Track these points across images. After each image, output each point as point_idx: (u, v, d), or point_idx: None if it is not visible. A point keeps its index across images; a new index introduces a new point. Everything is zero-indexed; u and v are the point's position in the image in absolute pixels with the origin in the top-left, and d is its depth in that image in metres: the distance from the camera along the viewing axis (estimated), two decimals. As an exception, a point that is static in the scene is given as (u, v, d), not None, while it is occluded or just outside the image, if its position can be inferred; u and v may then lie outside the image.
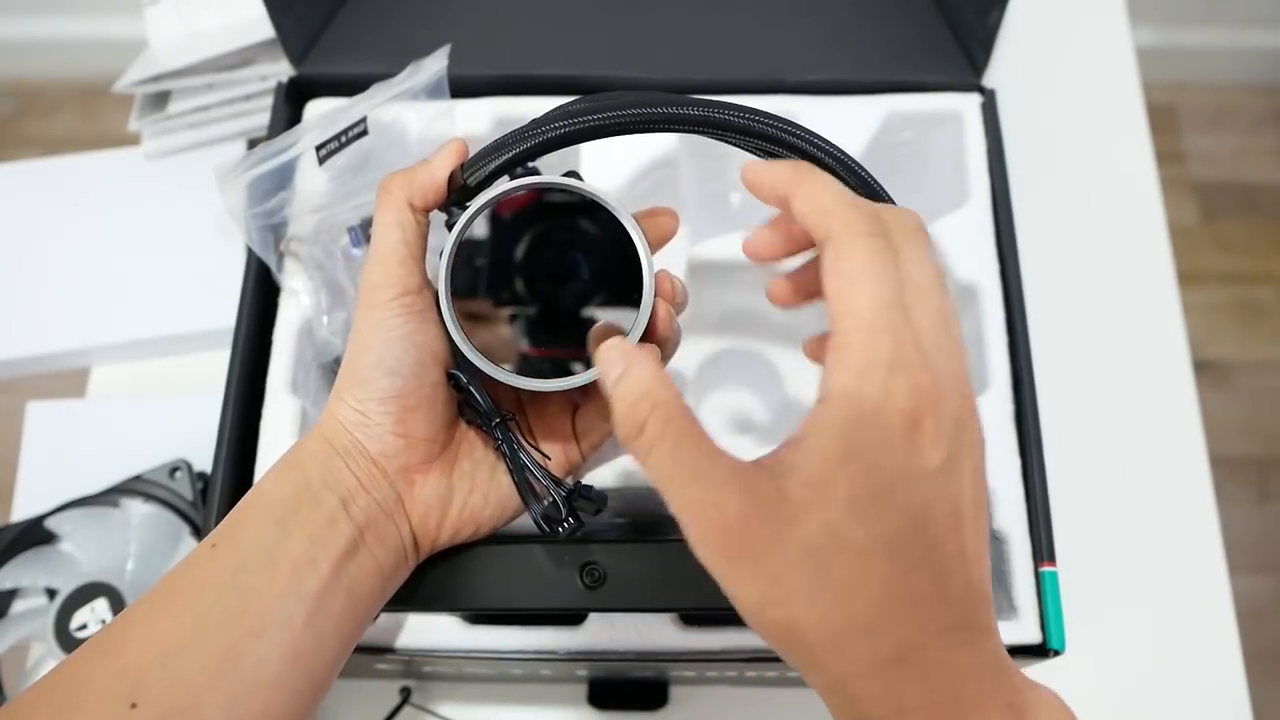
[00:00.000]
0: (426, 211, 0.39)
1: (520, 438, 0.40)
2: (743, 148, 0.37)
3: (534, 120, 0.37)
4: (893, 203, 0.36)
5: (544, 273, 0.40)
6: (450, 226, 0.39)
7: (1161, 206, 0.69)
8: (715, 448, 0.30)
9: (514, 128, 0.55)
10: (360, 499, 0.37)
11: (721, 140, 0.36)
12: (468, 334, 0.37)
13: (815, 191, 0.31)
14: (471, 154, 0.38)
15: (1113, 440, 0.62)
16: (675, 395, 0.31)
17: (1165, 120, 1.50)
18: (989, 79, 0.56)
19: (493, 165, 0.37)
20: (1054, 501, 0.46)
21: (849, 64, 0.57)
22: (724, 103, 0.35)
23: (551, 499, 0.39)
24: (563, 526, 0.38)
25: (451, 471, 0.39)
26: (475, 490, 0.39)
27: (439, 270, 0.37)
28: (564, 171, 0.39)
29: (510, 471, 0.39)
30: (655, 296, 0.36)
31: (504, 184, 0.37)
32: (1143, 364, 0.64)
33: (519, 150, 0.36)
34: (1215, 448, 0.63)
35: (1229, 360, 1.35)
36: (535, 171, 0.38)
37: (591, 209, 0.37)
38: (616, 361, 0.32)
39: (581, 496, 0.39)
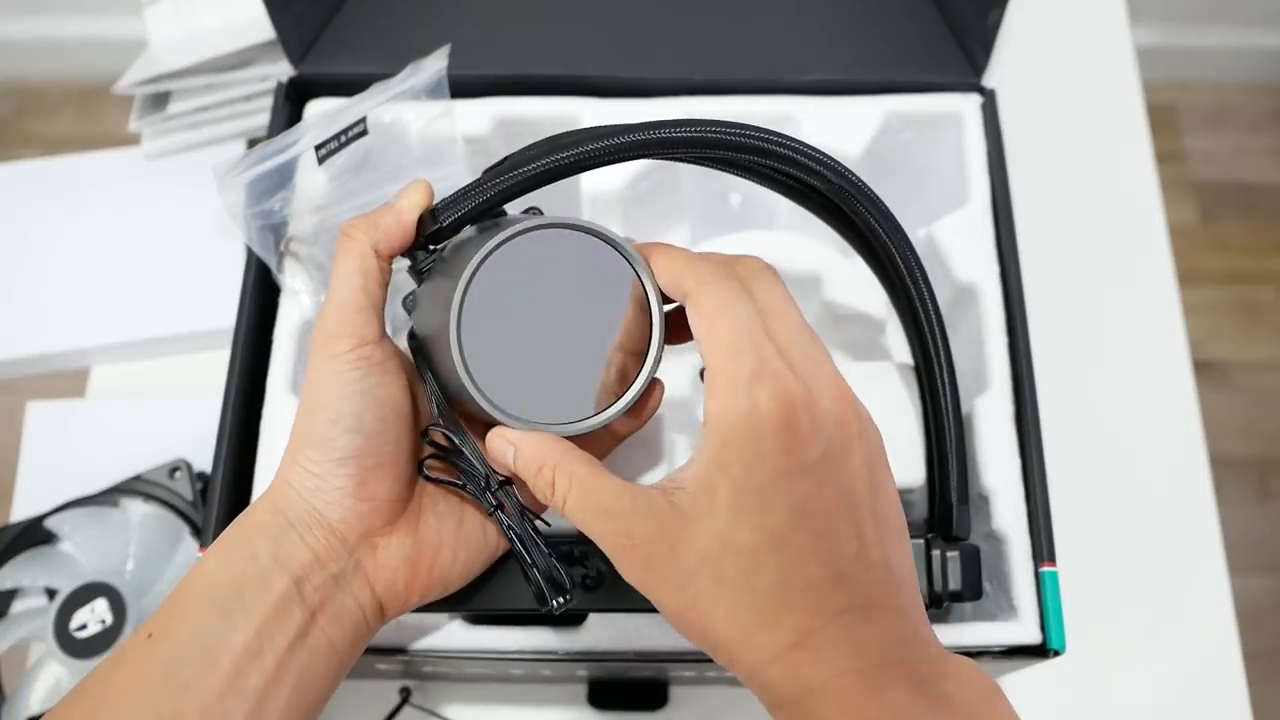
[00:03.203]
0: (391, 258, 0.37)
1: (520, 501, 0.37)
2: (732, 169, 0.37)
3: (508, 158, 0.36)
4: (879, 203, 0.38)
5: (552, 311, 0.36)
6: (414, 271, 0.37)
7: (1161, 206, 0.69)
8: (618, 483, 0.32)
9: (510, 129, 0.56)
10: (315, 577, 0.34)
11: (700, 163, 0.36)
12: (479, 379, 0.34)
13: (668, 260, 0.34)
14: (470, 169, 0.38)
15: (1113, 440, 0.62)
16: (569, 449, 0.33)
17: (1165, 120, 1.50)
18: (989, 79, 0.56)
19: (469, 206, 0.35)
20: (1054, 501, 0.46)
21: (848, 64, 0.57)
22: (710, 121, 0.35)
23: (556, 570, 0.36)
24: (560, 600, 0.36)
25: (416, 530, 0.37)
26: (444, 548, 0.37)
27: (449, 319, 0.33)
28: (525, 208, 0.38)
29: (511, 540, 0.37)
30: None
31: (514, 224, 0.34)
32: (1143, 364, 0.64)
33: (499, 190, 0.35)
34: (1215, 448, 0.63)
35: (1229, 360, 1.35)
36: (503, 213, 0.37)
37: (588, 244, 0.35)
38: (504, 447, 0.34)
39: (579, 565, 0.38)
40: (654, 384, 0.36)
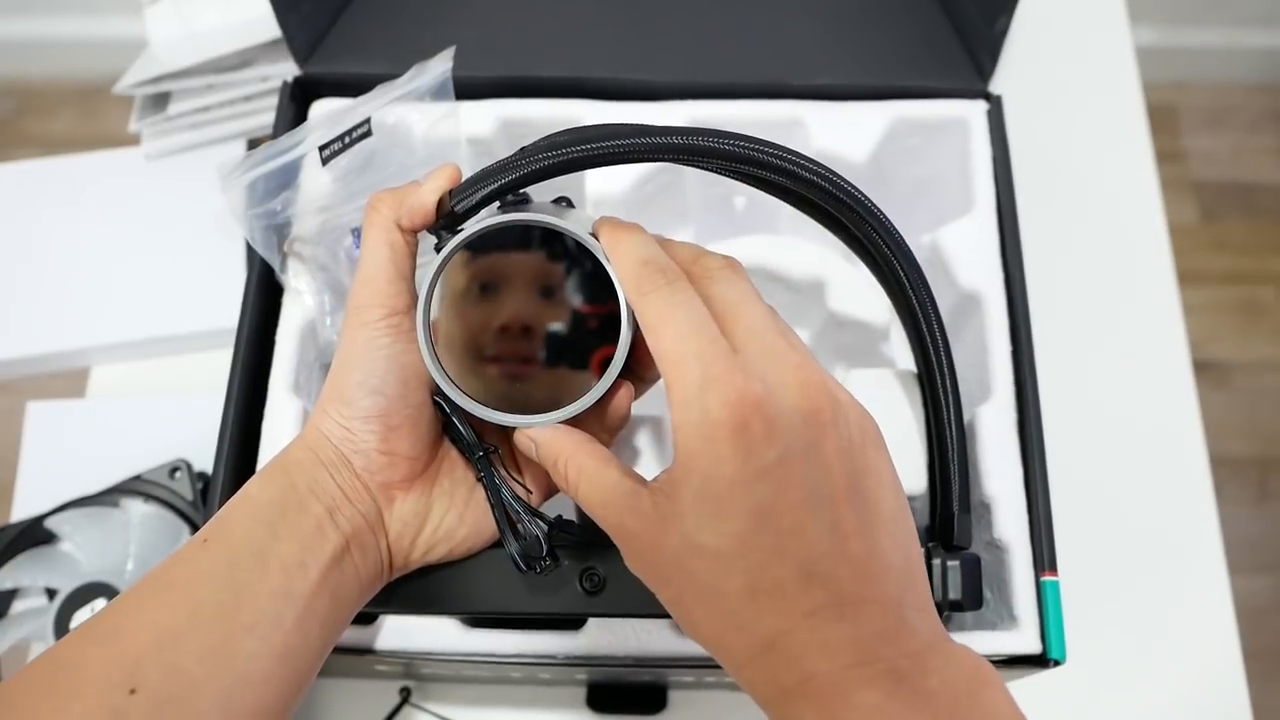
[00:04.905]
0: (414, 233, 0.39)
1: (502, 470, 0.40)
2: (729, 175, 0.37)
3: (522, 149, 0.36)
4: (879, 215, 0.38)
5: (528, 303, 0.39)
6: (438, 250, 0.38)
7: (1161, 206, 0.69)
8: (620, 477, 0.34)
9: (514, 131, 0.56)
10: (345, 510, 0.37)
11: (706, 169, 0.36)
12: (449, 363, 0.37)
13: (618, 259, 0.35)
14: (467, 171, 0.38)
15: (1113, 443, 0.62)
16: (581, 442, 0.36)
17: (1165, 120, 1.50)
18: (995, 85, 0.56)
19: (479, 194, 0.37)
20: (1055, 507, 0.46)
21: (854, 69, 0.57)
22: (709, 130, 0.35)
23: (534, 535, 0.38)
24: (541, 564, 0.38)
25: (431, 489, 0.39)
26: (452, 509, 0.40)
27: (418, 302, 0.37)
28: (554, 198, 0.39)
29: (491, 504, 0.39)
30: (635, 328, 0.36)
31: (486, 218, 0.37)
32: (1143, 364, 0.65)
33: (505, 180, 0.36)
34: (1215, 448, 0.63)
35: (1229, 360, 1.35)
36: (526, 199, 0.38)
37: (560, 238, 0.37)
38: (528, 444, 0.37)
39: (562, 531, 0.39)
40: (623, 383, 0.38)
